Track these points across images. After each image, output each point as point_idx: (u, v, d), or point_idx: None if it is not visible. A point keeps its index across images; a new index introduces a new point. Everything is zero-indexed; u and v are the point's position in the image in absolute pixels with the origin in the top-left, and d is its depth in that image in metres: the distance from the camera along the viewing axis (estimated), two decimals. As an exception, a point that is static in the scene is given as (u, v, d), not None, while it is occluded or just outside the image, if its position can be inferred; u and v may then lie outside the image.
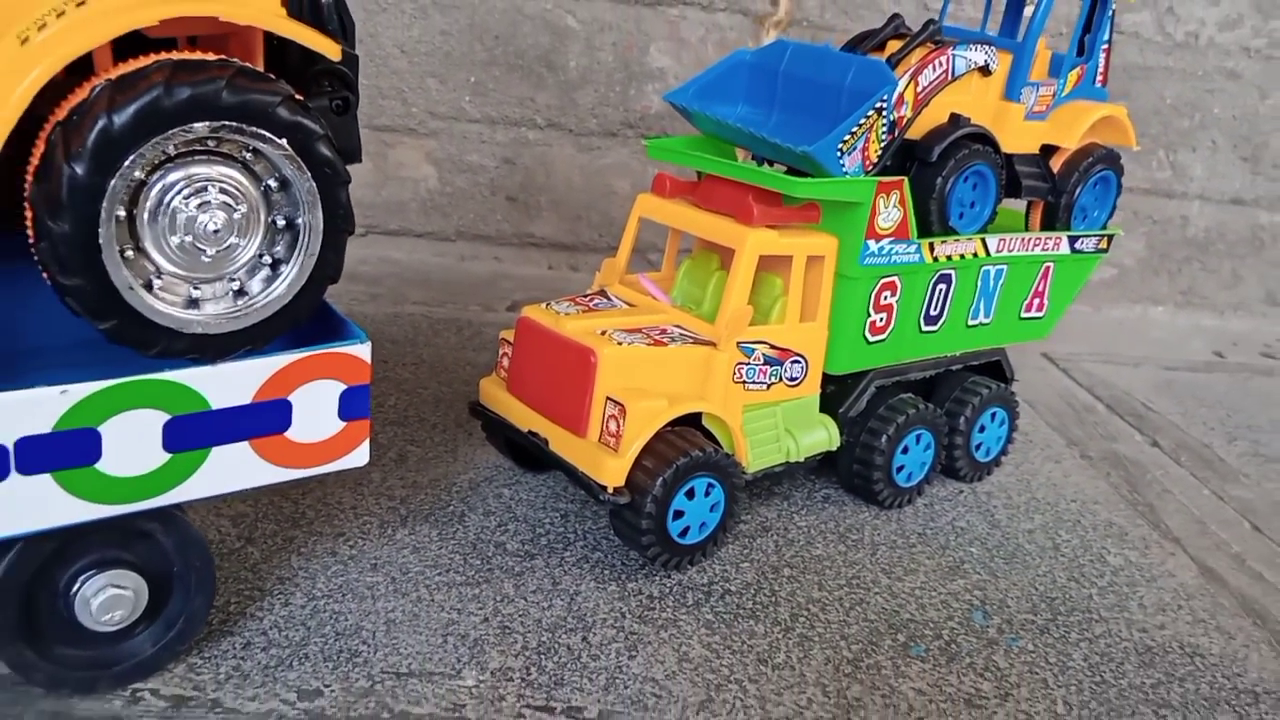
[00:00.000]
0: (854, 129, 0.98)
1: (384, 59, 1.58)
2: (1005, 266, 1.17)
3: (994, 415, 1.21)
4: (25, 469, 0.65)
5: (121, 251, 0.63)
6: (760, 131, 1.02)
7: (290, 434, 0.74)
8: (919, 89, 1.04)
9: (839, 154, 0.98)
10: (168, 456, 0.70)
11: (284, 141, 0.65)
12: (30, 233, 0.63)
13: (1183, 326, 1.86)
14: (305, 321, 0.71)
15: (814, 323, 1.04)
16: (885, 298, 1.07)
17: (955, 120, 1.08)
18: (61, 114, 0.61)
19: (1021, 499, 1.20)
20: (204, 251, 0.66)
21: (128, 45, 0.64)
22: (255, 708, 0.76)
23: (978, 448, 1.20)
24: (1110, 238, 1.26)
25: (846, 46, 1.14)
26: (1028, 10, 1.18)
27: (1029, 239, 1.18)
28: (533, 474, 1.11)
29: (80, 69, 0.63)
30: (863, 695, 0.85)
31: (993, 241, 1.14)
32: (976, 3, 1.28)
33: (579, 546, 1.00)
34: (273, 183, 0.68)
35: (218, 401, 0.70)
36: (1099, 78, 1.24)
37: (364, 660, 0.82)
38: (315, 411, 0.74)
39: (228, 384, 0.70)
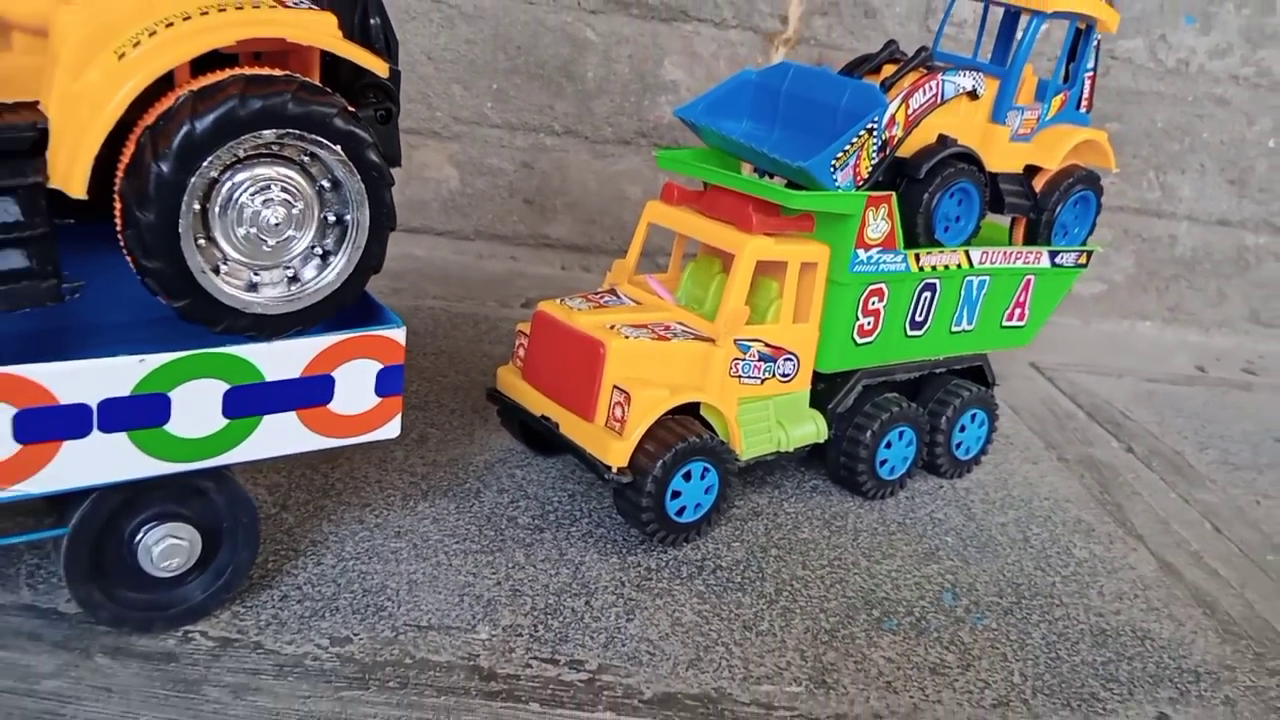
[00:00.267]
0: (846, 147, 1.08)
1: (411, 65, 1.68)
2: (988, 278, 1.26)
3: (974, 416, 1.30)
4: (105, 427, 0.75)
5: (195, 240, 0.74)
6: (762, 147, 1.12)
7: (332, 406, 0.84)
8: (910, 111, 1.14)
9: (832, 170, 1.08)
10: (226, 421, 0.80)
11: (338, 148, 0.75)
12: (119, 221, 0.73)
13: (1168, 341, 1.95)
14: (349, 306, 0.81)
15: (806, 324, 1.14)
16: (873, 303, 1.16)
17: (943, 140, 1.17)
18: (150, 119, 0.71)
19: (998, 495, 1.30)
20: (265, 242, 0.76)
21: (201, 58, 0.74)
22: (292, 650, 0.86)
23: (958, 446, 1.30)
24: (1089, 253, 1.35)
25: (845, 69, 1.24)
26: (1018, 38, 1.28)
27: (1011, 252, 1.27)
28: (543, 456, 1.21)
29: (163, 79, 0.73)
30: (837, 661, 0.95)
31: (976, 254, 1.23)
32: (974, 28, 1.38)
33: (584, 522, 1.10)
34: (326, 183, 0.78)
35: (271, 374, 0.80)
36: (1084, 103, 1.34)
37: (388, 614, 0.92)
38: (355, 387, 0.84)
39: (280, 359, 0.80)
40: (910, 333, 1.22)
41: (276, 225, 0.76)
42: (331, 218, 0.79)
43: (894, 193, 1.14)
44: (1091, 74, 1.33)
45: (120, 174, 0.71)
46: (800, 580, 1.06)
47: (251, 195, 0.75)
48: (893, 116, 1.12)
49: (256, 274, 0.78)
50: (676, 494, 1.04)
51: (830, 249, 1.12)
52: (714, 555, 1.07)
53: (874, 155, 1.11)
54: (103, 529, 0.81)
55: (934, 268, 1.20)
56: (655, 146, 1.78)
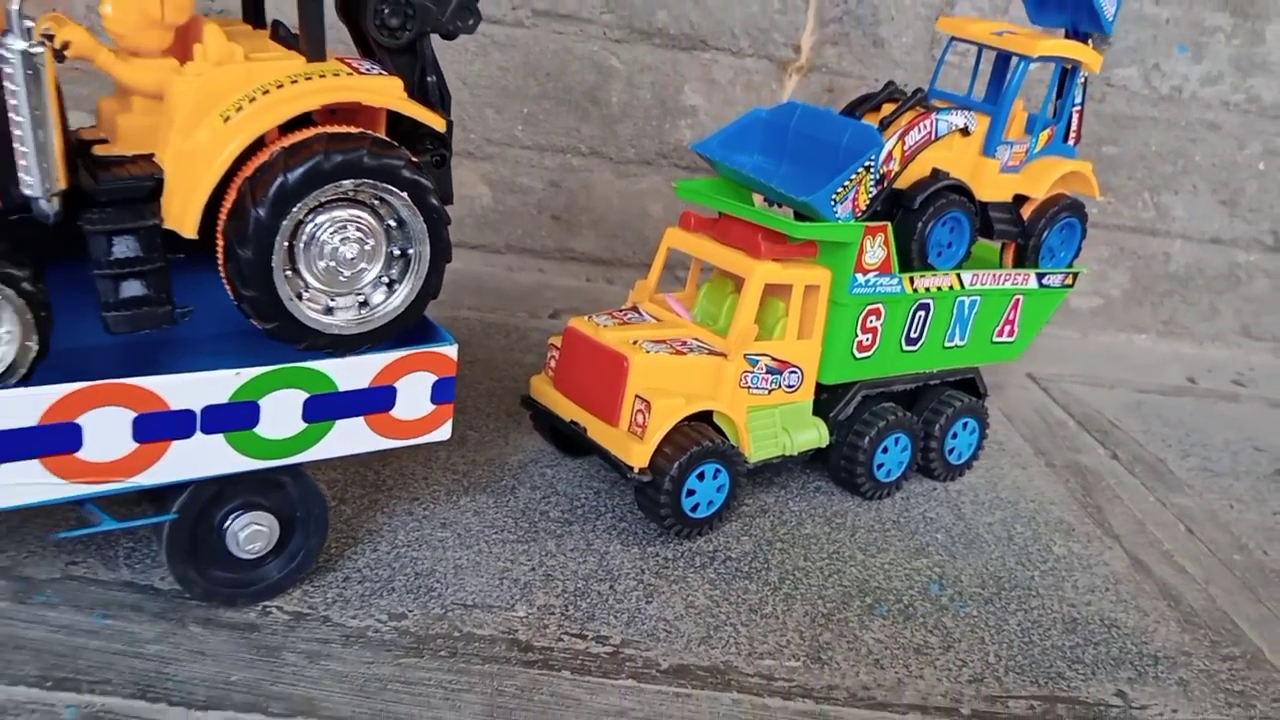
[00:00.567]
0: (846, 182, 1.21)
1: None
2: (979, 298, 1.39)
3: (966, 424, 1.43)
4: (206, 429, 0.90)
5: (284, 272, 0.88)
6: (770, 180, 1.26)
7: (394, 412, 0.98)
8: (906, 147, 1.28)
9: (833, 203, 1.21)
10: (305, 425, 0.94)
11: (405, 194, 0.90)
12: (220, 257, 0.87)
13: (1162, 353, 2.07)
14: (410, 327, 0.96)
15: (810, 340, 1.27)
16: (871, 321, 1.30)
17: (936, 174, 1.31)
18: (249, 171, 0.85)
19: (987, 497, 1.43)
20: (341, 273, 0.91)
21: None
22: (356, 624, 1.01)
23: (950, 451, 1.43)
24: (1075, 275, 1.48)
25: (848, 108, 1.37)
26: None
27: (1000, 275, 1.40)
28: (570, 457, 1.35)
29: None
30: (832, 641, 1.09)
31: (967, 276, 1.36)
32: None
33: (608, 516, 1.24)
34: (393, 223, 0.92)
35: (344, 385, 0.94)
36: (1072, 136, 1.47)
37: (438, 594, 1.06)
38: (414, 395, 0.98)
39: (352, 372, 0.94)
40: (906, 348, 1.35)
41: (351, 259, 0.90)
42: (397, 252, 0.93)
43: (890, 222, 1.27)
44: (1079, 108, 1.46)
45: (223, 217, 0.86)
46: (801, 570, 1.19)
47: (330, 234, 0.89)
48: (890, 153, 1.25)
49: (333, 300, 0.92)
50: (691, 492, 1.18)
51: (832, 273, 1.26)
52: (724, 547, 1.21)
53: (872, 189, 1.24)
54: (198, 517, 0.95)
55: (928, 289, 1.33)
56: (674, 167, 1.92)
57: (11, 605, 0.97)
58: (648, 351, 1.18)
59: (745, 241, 1.24)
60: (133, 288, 0.86)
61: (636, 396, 1.17)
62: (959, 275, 1.35)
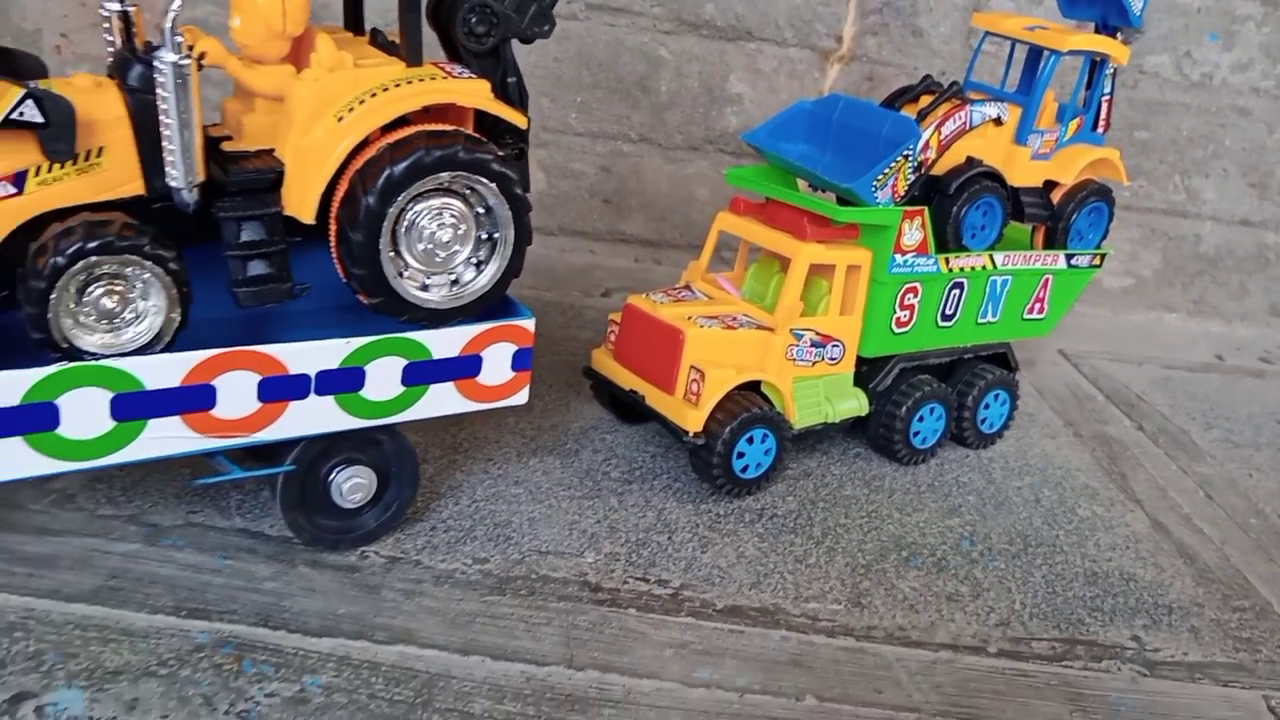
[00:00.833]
0: (886, 170, 1.32)
1: (508, 82, 1.95)
2: (1010, 277, 1.50)
3: (997, 396, 1.55)
4: (320, 391, 1.03)
5: (388, 253, 1.01)
6: (815, 168, 1.37)
7: (479, 378, 1.11)
8: (942, 137, 1.39)
9: (874, 189, 1.33)
10: (403, 389, 1.08)
11: (493, 185, 1.02)
12: (333, 240, 1.01)
13: (1192, 332, 2.16)
14: (495, 303, 1.09)
15: (851, 316, 1.39)
16: (908, 299, 1.41)
17: (970, 161, 1.42)
18: (359, 165, 0.98)
19: (1016, 464, 1.54)
20: (437, 255, 1.04)
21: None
22: (444, 566, 1.14)
23: (982, 421, 1.54)
24: (1103, 256, 1.59)
25: (888, 100, 1.48)
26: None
27: (1031, 255, 1.51)
28: (628, 424, 1.48)
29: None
30: (870, 588, 1.21)
31: (999, 257, 1.47)
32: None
33: (664, 477, 1.37)
34: (482, 210, 1.05)
35: (438, 353, 1.08)
36: (1101, 124, 1.57)
37: (515, 543, 1.20)
38: (497, 363, 1.11)
39: (445, 342, 1.08)
40: (941, 324, 1.47)
41: (445, 242, 1.03)
42: (485, 235, 1.06)
43: (927, 206, 1.38)
44: (1108, 98, 1.56)
45: (336, 205, 0.99)
46: (842, 527, 1.32)
47: (428, 220, 1.02)
48: (927, 142, 1.36)
49: (428, 278, 1.05)
50: (741, 454, 1.30)
51: (872, 253, 1.37)
52: (771, 505, 1.34)
53: (910, 175, 1.36)
54: (307, 469, 1.09)
55: (962, 269, 1.44)
56: (721, 153, 2.04)
57: (144, 547, 1.11)
58: (702, 326, 1.31)
59: (792, 225, 1.36)
60: (258, 267, 0.99)
61: (692, 367, 1.29)
62: (992, 256, 1.46)
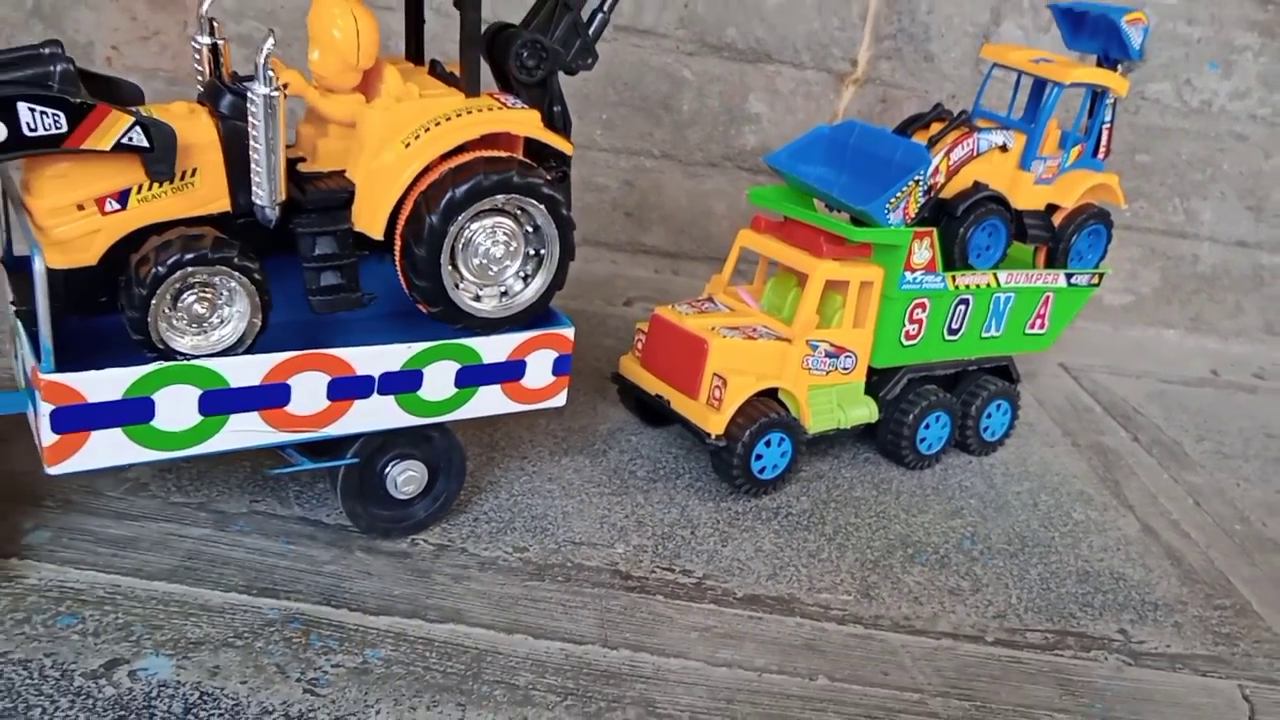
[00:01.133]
0: (898, 194, 1.45)
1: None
2: (1013, 294, 1.62)
3: (999, 406, 1.67)
4: (382, 391, 1.15)
5: (447, 267, 1.13)
6: (831, 190, 1.50)
7: (523, 381, 1.24)
8: (950, 162, 1.51)
9: (887, 211, 1.45)
10: (455, 390, 1.20)
11: (543, 206, 1.15)
12: (398, 254, 1.13)
13: (1189, 348, 2.28)
14: (540, 313, 1.21)
15: (863, 329, 1.51)
16: (917, 313, 1.54)
17: (977, 186, 1.54)
18: (423, 186, 1.11)
19: (1017, 470, 1.66)
20: (490, 269, 1.16)
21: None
22: (487, 554, 1.27)
23: (985, 429, 1.66)
24: (1101, 275, 1.71)
25: (900, 127, 1.60)
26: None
27: (1032, 274, 1.63)
28: (652, 427, 1.60)
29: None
30: (878, 581, 1.33)
31: (1003, 275, 1.60)
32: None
33: (687, 476, 1.49)
34: (531, 228, 1.17)
35: (488, 358, 1.20)
36: (1101, 151, 1.69)
37: (551, 534, 1.32)
38: (540, 368, 1.24)
39: (494, 348, 1.20)
40: (948, 337, 1.59)
41: (498, 257, 1.16)
42: (532, 251, 1.18)
43: (936, 227, 1.51)
44: (1108, 126, 1.68)
45: (402, 223, 1.11)
46: (852, 525, 1.44)
47: (483, 237, 1.14)
48: (936, 167, 1.49)
49: (481, 290, 1.17)
50: (759, 456, 1.42)
51: (884, 271, 1.49)
52: (786, 504, 1.46)
53: (920, 198, 1.48)
54: (365, 462, 1.21)
55: (968, 286, 1.56)
56: (739, 170, 2.16)
57: (214, 532, 1.24)
58: (724, 336, 1.43)
59: (809, 243, 1.48)
60: (331, 278, 1.11)
61: (714, 374, 1.42)
62: (996, 274, 1.59)
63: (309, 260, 1.11)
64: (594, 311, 2.01)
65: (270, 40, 1.01)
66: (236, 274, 1.05)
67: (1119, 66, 1.66)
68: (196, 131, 1.06)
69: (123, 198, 1.03)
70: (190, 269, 1.03)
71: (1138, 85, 2.15)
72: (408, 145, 1.10)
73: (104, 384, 1.03)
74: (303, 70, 1.14)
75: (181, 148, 1.04)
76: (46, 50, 1.01)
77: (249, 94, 1.02)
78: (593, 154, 2.14)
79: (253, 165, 1.05)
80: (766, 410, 1.42)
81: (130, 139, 1.00)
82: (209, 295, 1.06)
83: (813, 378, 1.48)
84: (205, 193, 1.07)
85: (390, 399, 1.17)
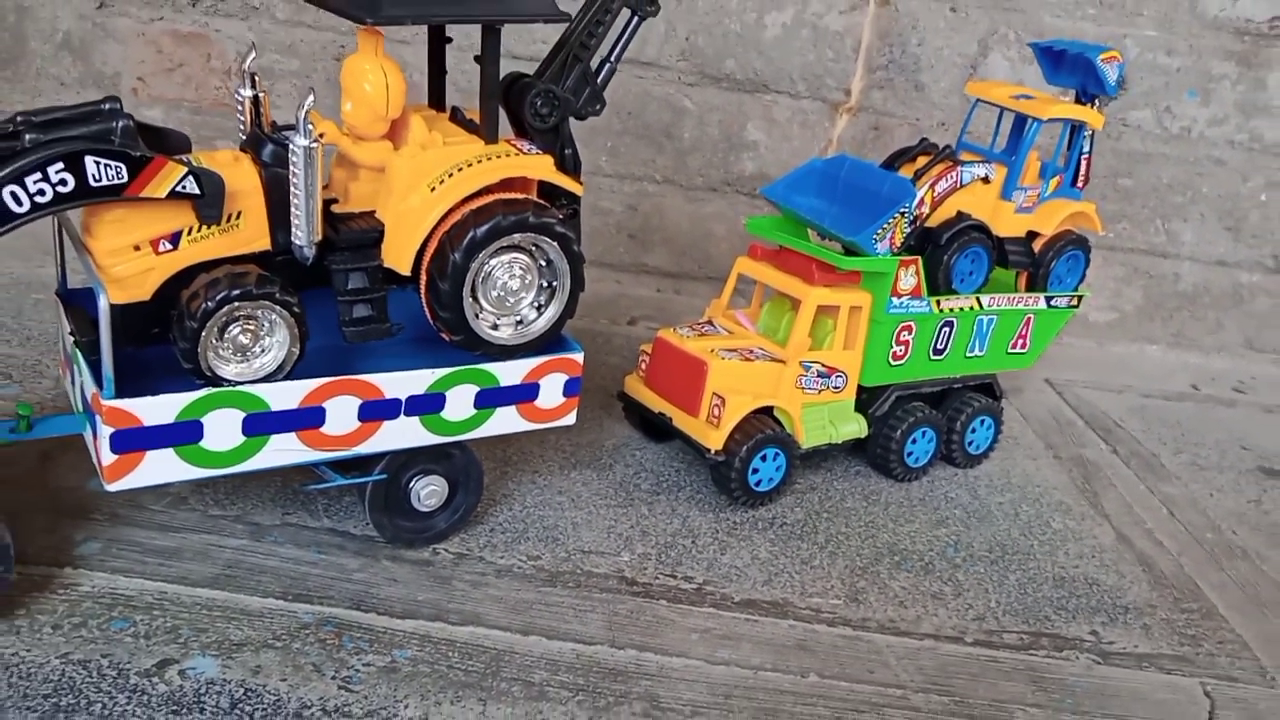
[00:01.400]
0: (885, 225, 1.56)
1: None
2: (996, 316, 1.74)
3: (983, 421, 1.78)
4: (408, 412, 1.27)
5: (468, 299, 1.25)
6: (823, 221, 1.61)
7: (537, 402, 1.35)
8: (935, 194, 1.63)
9: (874, 241, 1.56)
10: (475, 410, 1.31)
11: (555, 243, 1.26)
12: (424, 288, 1.24)
13: (1171, 363, 2.39)
14: (552, 340, 1.33)
15: (853, 350, 1.62)
16: (904, 335, 1.65)
17: (960, 215, 1.65)
18: (446, 226, 1.22)
19: (1000, 482, 1.77)
20: (507, 300, 1.27)
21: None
22: (504, 562, 1.38)
23: (970, 444, 1.77)
24: (1080, 298, 1.82)
25: (888, 161, 1.72)
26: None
27: (1014, 297, 1.75)
28: (655, 443, 1.71)
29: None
30: (866, 587, 1.44)
31: (986, 299, 1.71)
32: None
33: (689, 489, 1.60)
34: (544, 263, 1.29)
35: (504, 381, 1.31)
36: (1081, 180, 1.80)
37: (562, 543, 1.43)
38: (552, 390, 1.35)
39: (510, 372, 1.31)
40: (933, 357, 1.70)
41: (515, 290, 1.27)
42: (546, 284, 1.30)
43: (920, 255, 1.62)
44: (1086, 156, 1.80)
45: (427, 260, 1.23)
46: (843, 534, 1.55)
47: (501, 271, 1.26)
48: (921, 199, 1.60)
49: (499, 319, 1.29)
50: (755, 470, 1.54)
51: (872, 296, 1.61)
52: (781, 515, 1.57)
53: (906, 229, 1.59)
54: (391, 477, 1.33)
55: (952, 309, 1.68)
56: (738, 194, 2.28)
57: (251, 543, 1.35)
58: (723, 358, 1.54)
59: (802, 270, 1.60)
60: (362, 310, 1.23)
61: (714, 393, 1.53)
62: (979, 298, 1.70)
63: (343, 294, 1.22)
64: (599, 330, 2.12)
65: (310, 98, 1.13)
66: (277, 308, 1.17)
67: (1095, 101, 1.77)
68: (241, 178, 1.17)
69: (175, 239, 1.15)
70: (236, 304, 1.14)
71: (1120, 112, 2.26)
72: (433, 189, 1.22)
73: (159, 408, 1.14)
74: (336, 120, 1.25)
75: (228, 193, 1.15)
76: (107, 106, 1.12)
77: (290, 145, 1.14)
78: (598, 179, 2.26)
79: (292, 208, 1.16)
80: (762, 427, 1.53)
81: (184, 187, 1.12)
82: (252, 327, 1.17)
83: (806, 396, 1.59)
84: (248, 233, 1.19)
85: (415, 419, 1.28)
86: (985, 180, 1.68)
